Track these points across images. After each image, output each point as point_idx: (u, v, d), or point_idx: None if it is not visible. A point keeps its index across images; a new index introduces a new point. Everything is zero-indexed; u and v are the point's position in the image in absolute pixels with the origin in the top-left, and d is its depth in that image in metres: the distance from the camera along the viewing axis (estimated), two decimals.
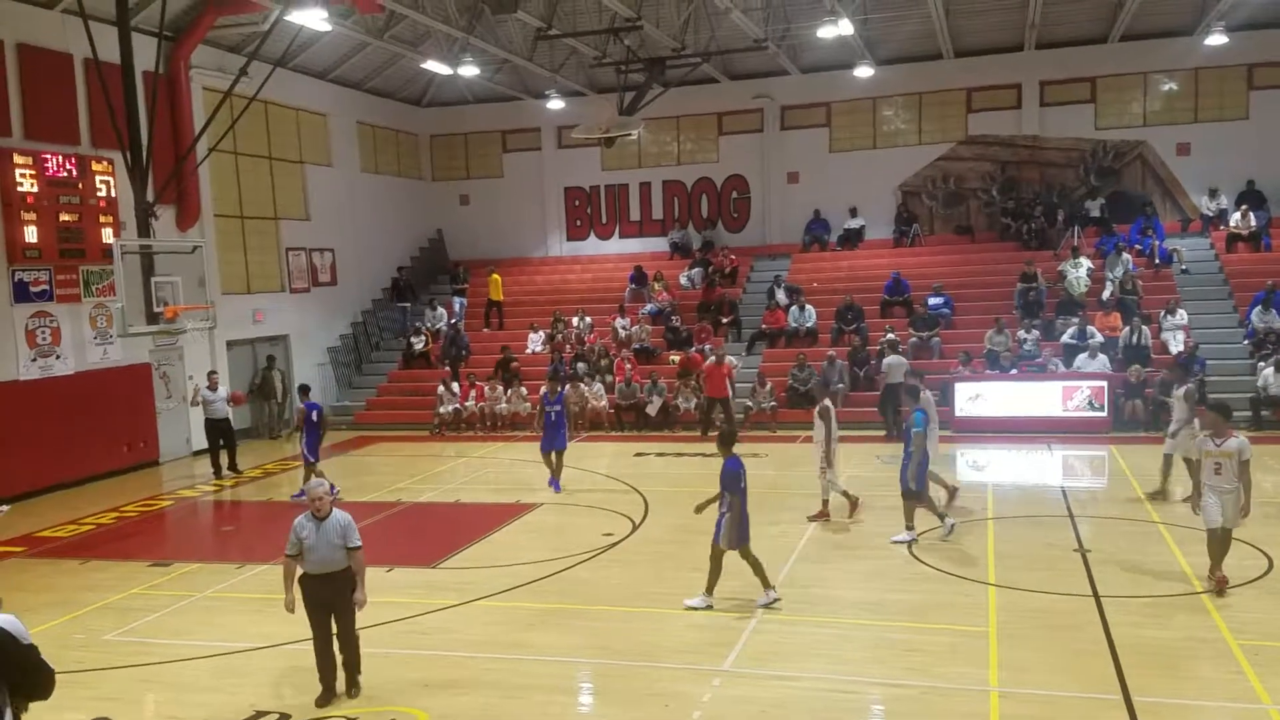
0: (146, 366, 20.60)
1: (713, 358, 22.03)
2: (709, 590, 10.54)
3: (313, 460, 16.72)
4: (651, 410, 22.36)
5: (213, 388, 19.32)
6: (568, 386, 22.25)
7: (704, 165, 29.43)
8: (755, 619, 10.18)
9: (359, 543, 8.51)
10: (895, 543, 12.72)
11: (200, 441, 20.47)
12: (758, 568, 10.48)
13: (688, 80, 26.39)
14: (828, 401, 14.25)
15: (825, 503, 14.09)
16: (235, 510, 17.46)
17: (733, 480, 10.34)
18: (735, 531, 10.30)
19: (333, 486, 17.35)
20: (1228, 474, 10.28)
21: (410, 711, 8.42)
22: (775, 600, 10.49)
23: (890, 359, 20.27)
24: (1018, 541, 12.78)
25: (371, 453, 21.61)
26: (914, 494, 12.89)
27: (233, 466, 19.48)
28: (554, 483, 16.60)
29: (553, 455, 16.64)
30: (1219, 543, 10.44)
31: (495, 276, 27.95)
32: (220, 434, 19.34)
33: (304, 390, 17.99)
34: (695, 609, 10.50)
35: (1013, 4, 23.83)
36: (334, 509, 8.46)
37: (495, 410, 23.18)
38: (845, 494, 14.21)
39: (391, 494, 17.13)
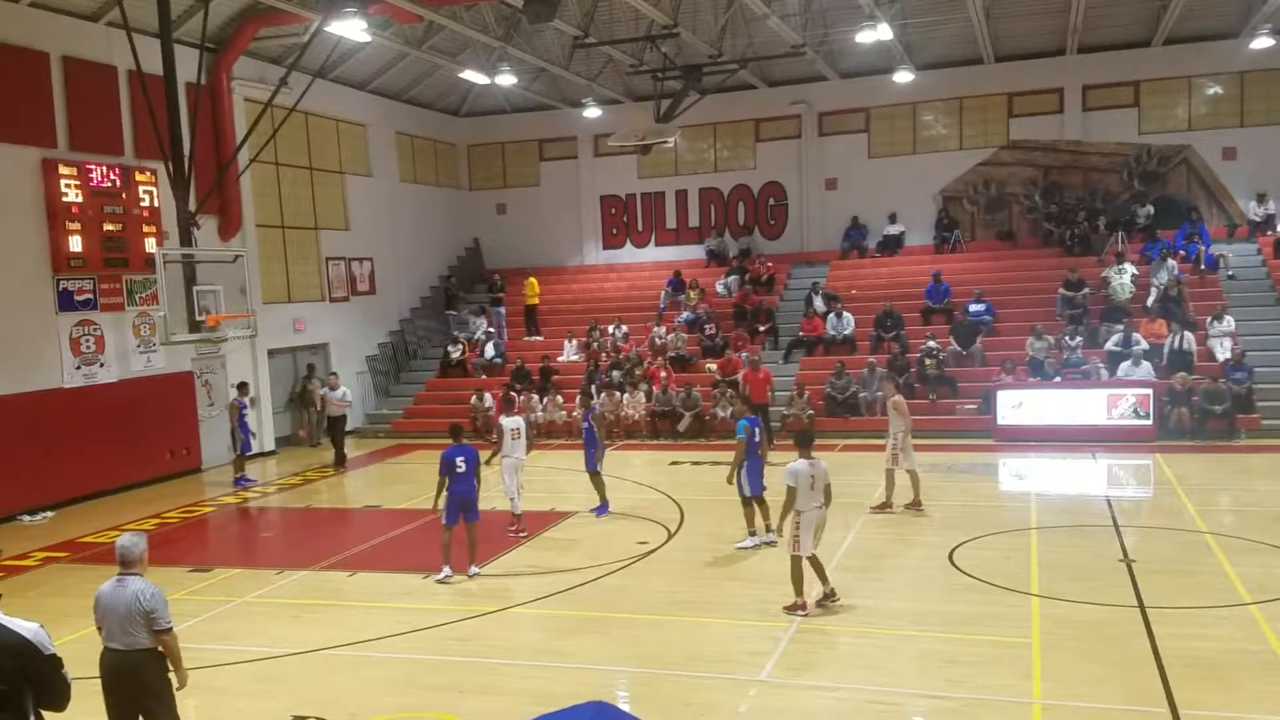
0: (189, 374, 20.83)
1: (747, 366, 21.94)
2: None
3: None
4: (681, 427, 22.25)
5: (333, 388, 21.40)
6: (602, 396, 22.34)
7: (741, 172, 29.33)
8: (793, 628, 10.07)
9: (169, 624, 6.66)
10: (740, 549, 13.04)
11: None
12: None
13: (724, 87, 26.30)
14: (898, 396, 15.01)
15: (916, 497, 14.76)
16: (275, 517, 17.58)
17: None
18: None
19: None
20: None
21: (444, 717, 8.41)
22: None
23: None
24: (1062, 552, 12.56)
25: (408, 460, 21.69)
26: (749, 499, 13.17)
27: (340, 460, 21.08)
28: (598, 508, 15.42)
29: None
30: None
31: (531, 280, 28.08)
32: (335, 429, 21.30)
33: (243, 388, 20.17)
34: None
35: (1054, 8, 23.53)
36: (140, 578, 6.61)
37: (532, 419, 23.16)
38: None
39: (427, 501, 17.05)
